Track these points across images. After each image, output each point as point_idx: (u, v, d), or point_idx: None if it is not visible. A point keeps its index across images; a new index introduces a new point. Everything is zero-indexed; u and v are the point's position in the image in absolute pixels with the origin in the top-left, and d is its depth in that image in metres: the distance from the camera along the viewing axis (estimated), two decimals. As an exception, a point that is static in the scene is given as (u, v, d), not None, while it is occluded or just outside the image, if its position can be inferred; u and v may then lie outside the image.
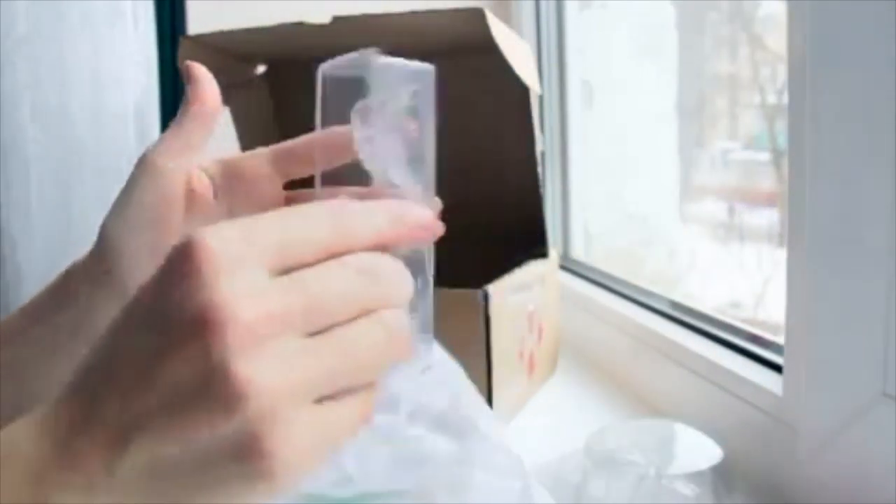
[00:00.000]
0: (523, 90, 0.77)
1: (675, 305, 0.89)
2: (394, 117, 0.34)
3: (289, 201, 0.44)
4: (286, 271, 0.27)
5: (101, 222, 0.43)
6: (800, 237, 0.57)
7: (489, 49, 0.70)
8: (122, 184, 0.48)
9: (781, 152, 0.94)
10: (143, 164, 0.42)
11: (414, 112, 0.34)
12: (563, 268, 1.16)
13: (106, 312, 0.41)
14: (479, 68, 0.81)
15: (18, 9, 0.96)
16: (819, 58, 0.54)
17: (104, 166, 1.05)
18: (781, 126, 0.93)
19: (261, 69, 0.97)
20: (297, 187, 0.44)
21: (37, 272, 1.01)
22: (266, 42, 0.87)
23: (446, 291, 0.71)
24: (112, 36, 1.06)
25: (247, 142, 0.95)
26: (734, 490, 0.58)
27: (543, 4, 1.30)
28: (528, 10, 1.31)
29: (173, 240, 0.28)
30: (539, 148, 0.82)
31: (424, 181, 0.34)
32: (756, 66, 1.05)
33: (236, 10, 1.10)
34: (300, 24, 0.76)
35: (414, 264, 0.31)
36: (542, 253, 0.86)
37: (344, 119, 0.34)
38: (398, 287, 0.29)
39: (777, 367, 0.67)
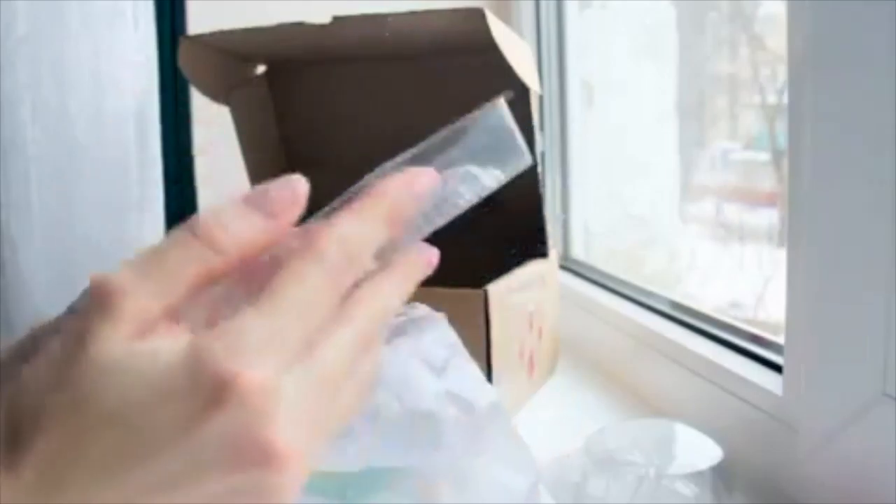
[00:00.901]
0: (523, 90, 0.77)
1: (675, 305, 0.89)
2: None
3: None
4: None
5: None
6: (800, 237, 0.57)
7: (489, 49, 0.70)
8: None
9: (781, 152, 0.94)
10: None
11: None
12: (563, 268, 1.16)
13: None
14: (479, 68, 0.81)
15: (18, 9, 0.96)
16: (819, 58, 0.54)
17: (104, 166, 1.05)
18: (781, 126, 0.93)
19: (261, 69, 0.97)
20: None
21: (37, 273, 1.01)
22: (266, 42, 0.87)
23: (446, 291, 0.71)
24: (112, 36, 1.06)
25: (247, 142, 0.95)
26: (734, 490, 0.58)
27: (543, 4, 1.30)
28: (528, 10, 1.31)
29: None
30: (539, 148, 0.82)
31: None
32: (756, 66, 1.05)
33: (236, 10, 1.10)
34: (300, 24, 0.76)
35: None
36: (542, 253, 0.86)
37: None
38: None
39: (777, 367, 0.67)
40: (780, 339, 0.67)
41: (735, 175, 1.12)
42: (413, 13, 0.72)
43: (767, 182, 1.04)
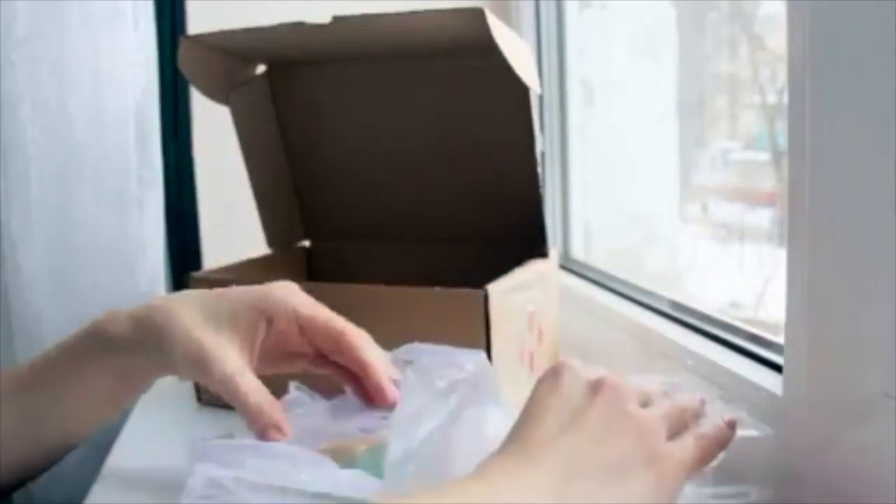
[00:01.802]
0: (523, 90, 0.77)
1: (676, 305, 0.89)
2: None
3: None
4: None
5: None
6: (800, 237, 0.57)
7: (489, 49, 0.70)
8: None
9: (781, 152, 0.94)
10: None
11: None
12: (563, 268, 1.16)
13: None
14: (479, 68, 0.81)
15: (18, 9, 0.96)
16: (819, 58, 0.54)
17: (104, 166, 1.06)
18: (781, 126, 0.93)
19: (261, 69, 0.97)
20: None
21: (37, 272, 1.01)
22: (266, 42, 0.87)
23: (446, 291, 0.71)
24: (112, 36, 1.06)
25: (247, 142, 0.95)
26: (734, 490, 0.58)
27: (543, 4, 1.31)
28: (528, 10, 1.31)
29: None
30: (539, 148, 0.82)
31: None
32: (756, 66, 1.05)
33: (236, 10, 1.10)
34: (300, 24, 0.76)
35: None
36: (542, 253, 0.86)
37: None
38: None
39: (777, 367, 0.67)
40: (780, 339, 0.67)
41: (735, 175, 1.12)
42: (413, 13, 0.72)
43: (767, 182, 1.04)
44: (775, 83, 0.98)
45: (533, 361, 0.84)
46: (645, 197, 1.26)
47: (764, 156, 1.07)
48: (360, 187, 0.97)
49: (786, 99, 0.57)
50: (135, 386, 0.57)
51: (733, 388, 0.69)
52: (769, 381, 0.65)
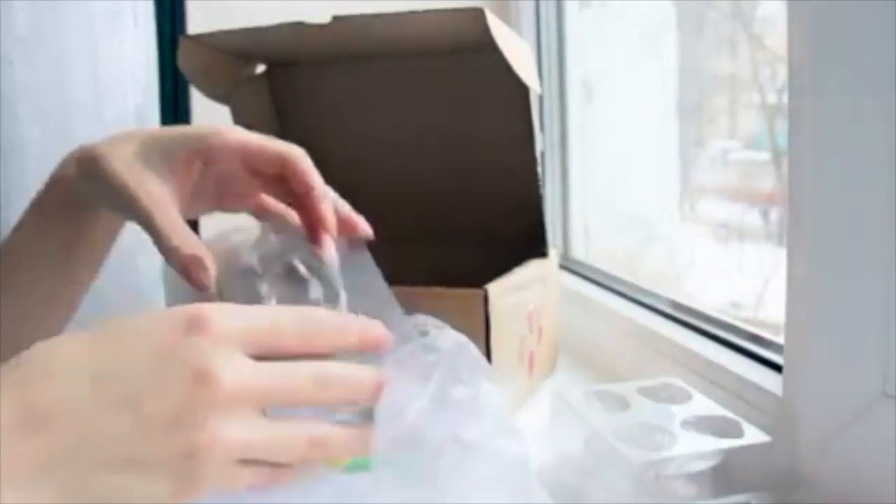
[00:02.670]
0: (523, 90, 0.77)
1: (676, 305, 0.89)
2: None
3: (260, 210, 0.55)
4: (262, 355, 0.35)
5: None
6: (800, 237, 0.57)
7: (489, 49, 0.70)
8: None
9: (781, 152, 0.94)
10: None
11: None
12: (563, 268, 1.16)
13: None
14: (479, 68, 0.81)
15: (18, 9, 0.96)
16: (819, 58, 0.54)
17: (104, 166, 1.05)
18: (781, 126, 0.93)
19: (261, 69, 0.97)
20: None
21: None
22: (266, 42, 0.87)
23: (446, 291, 0.71)
24: (112, 36, 1.06)
25: (247, 142, 0.95)
26: (734, 490, 0.58)
27: (543, 4, 1.31)
28: (528, 10, 1.31)
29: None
30: (539, 148, 0.82)
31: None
32: (756, 66, 1.05)
33: (236, 10, 1.10)
34: (300, 24, 0.76)
35: None
36: (542, 253, 0.86)
37: None
38: (340, 394, 0.37)
39: (777, 367, 0.67)
40: (780, 339, 0.67)
41: (735, 174, 1.12)
42: (413, 13, 0.72)
43: (767, 182, 1.04)
44: (775, 83, 0.98)
45: (533, 361, 0.84)
46: (645, 197, 1.26)
47: (764, 155, 1.07)
48: (360, 187, 0.97)
49: (786, 99, 0.57)
50: (95, 231, 0.58)
51: (733, 388, 0.69)
52: (769, 381, 0.65)
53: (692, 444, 0.59)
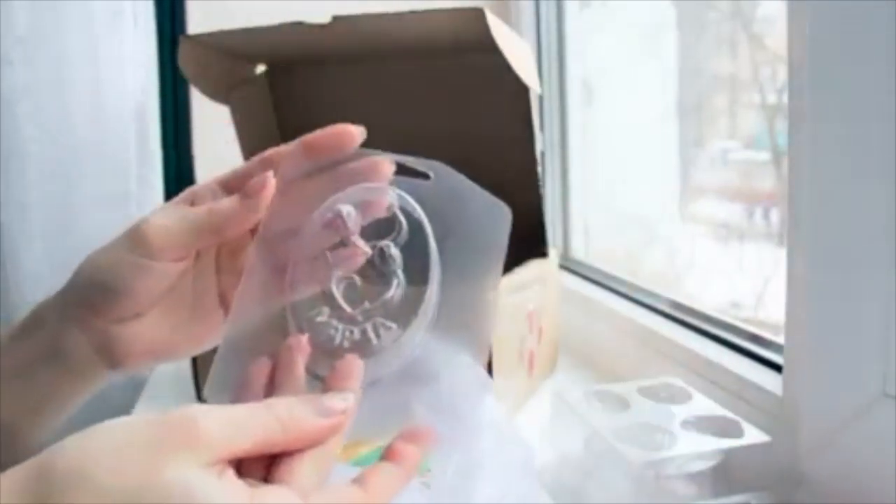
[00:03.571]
0: (523, 90, 0.77)
1: (676, 305, 0.89)
2: None
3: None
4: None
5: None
6: (800, 237, 0.57)
7: (489, 49, 0.70)
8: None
9: (781, 152, 0.94)
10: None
11: None
12: (563, 268, 1.16)
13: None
14: (479, 68, 0.81)
15: (18, 9, 0.96)
16: (819, 58, 0.54)
17: (104, 166, 1.06)
18: (781, 126, 0.93)
19: (261, 69, 0.97)
20: None
21: (37, 272, 1.01)
22: (266, 42, 0.87)
23: (446, 291, 0.71)
24: (112, 36, 1.06)
25: (247, 142, 0.95)
26: (734, 490, 0.58)
27: (543, 4, 1.31)
28: (528, 10, 1.31)
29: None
30: (539, 148, 0.82)
31: None
32: (756, 66, 1.05)
33: (236, 10, 1.10)
34: (300, 24, 0.76)
35: None
36: (542, 253, 0.86)
37: None
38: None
39: (777, 367, 0.67)
40: (780, 339, 0.67)
41: (735, 174, 1.12)
42: (413, 13, 0.72)
43: (767, 182, 1.04)
44: (775, 83, 0.98)
45: (533, 361, 0.84)
46: (645, 197, 1.26)
47: (764, 155, 1.07)
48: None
49: (786, 99, 0.57)
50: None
51: (733, 388, 0.69)
52: (769, 381, 0.65)
53: (692, 444, 0.59)
